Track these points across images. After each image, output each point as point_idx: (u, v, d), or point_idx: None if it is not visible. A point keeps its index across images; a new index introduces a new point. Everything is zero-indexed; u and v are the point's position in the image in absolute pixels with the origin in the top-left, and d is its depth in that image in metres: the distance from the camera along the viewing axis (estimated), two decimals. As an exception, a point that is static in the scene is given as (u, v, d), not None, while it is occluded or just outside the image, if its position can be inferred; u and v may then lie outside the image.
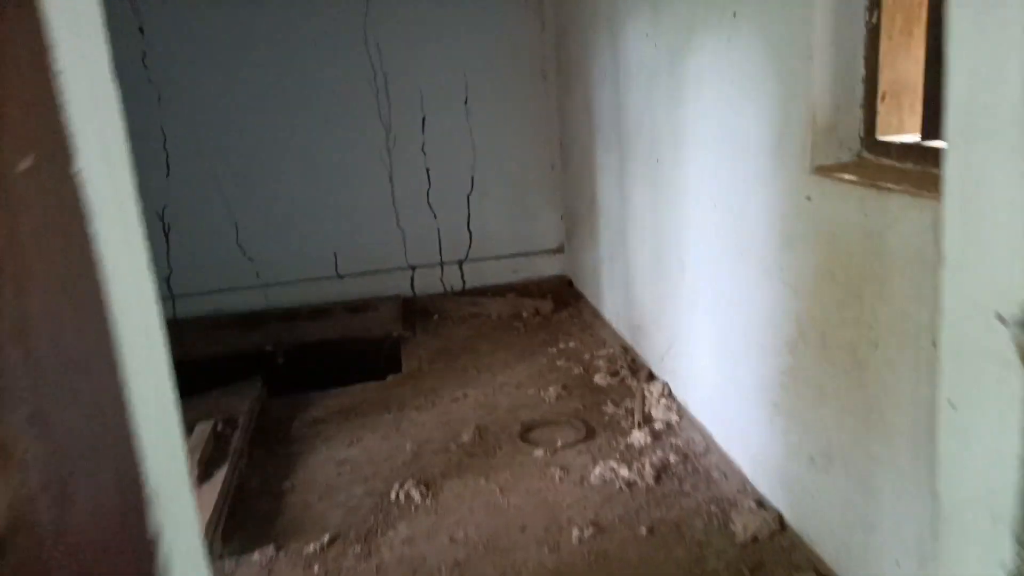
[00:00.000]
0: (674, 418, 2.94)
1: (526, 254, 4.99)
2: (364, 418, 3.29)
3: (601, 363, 3.56)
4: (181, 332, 4.43)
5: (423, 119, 4.67)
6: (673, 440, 2.83)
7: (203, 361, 4.15)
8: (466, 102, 4.69)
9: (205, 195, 4.51)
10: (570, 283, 4.86)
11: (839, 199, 1.87)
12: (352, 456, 2.95)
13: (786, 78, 2.04)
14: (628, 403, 3.10)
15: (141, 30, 4.19)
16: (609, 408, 3.11)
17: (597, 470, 2.62)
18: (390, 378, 3.74)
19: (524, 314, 4.36)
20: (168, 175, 4.44)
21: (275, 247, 4.67)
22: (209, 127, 4.42)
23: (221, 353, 4.22)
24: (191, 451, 2.82)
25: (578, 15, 4.11)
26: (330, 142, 4.59)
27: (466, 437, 2.98)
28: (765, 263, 2.24)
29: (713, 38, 2.43)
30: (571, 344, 3.89)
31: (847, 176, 1.84)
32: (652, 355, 3.35)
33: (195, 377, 4.15)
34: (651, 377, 3.26)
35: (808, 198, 2.00)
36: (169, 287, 4.61)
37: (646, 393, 3.10)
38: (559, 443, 2.84)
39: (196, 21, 4.26)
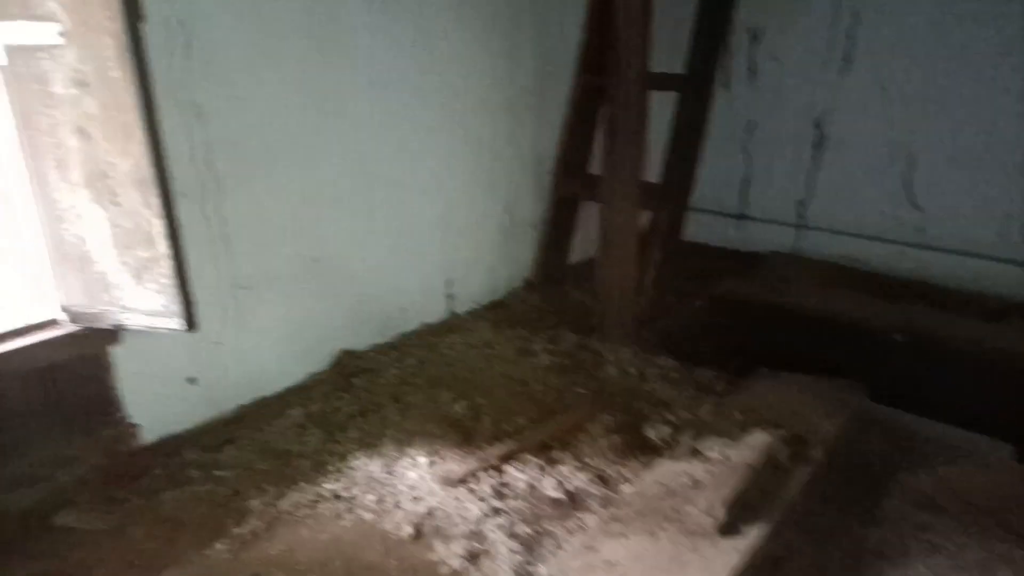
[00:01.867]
0: None
1: None
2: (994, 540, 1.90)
3: None
4: (792, 272, 3.53)
5: None
6: None
7: (801, 318, 2.95)
8: None
9: (873, 110, 3.32)
10: None
11: None
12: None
13: None
14: None
15: None
16: None
17: None
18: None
19: None
20: (843, 71, 3.39)
21: (956, 198, 3.24)
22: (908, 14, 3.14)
23: (831, 315, 2.90)
24: (728, 474, 1.96)
25: None
26: None
27: None
28: None
29: None
30: None
31: None
32: None
33: (786, 334, 2.93)
34: None
35: None
36: (800, 212, 3.73)
37: None
38: None
39: None
